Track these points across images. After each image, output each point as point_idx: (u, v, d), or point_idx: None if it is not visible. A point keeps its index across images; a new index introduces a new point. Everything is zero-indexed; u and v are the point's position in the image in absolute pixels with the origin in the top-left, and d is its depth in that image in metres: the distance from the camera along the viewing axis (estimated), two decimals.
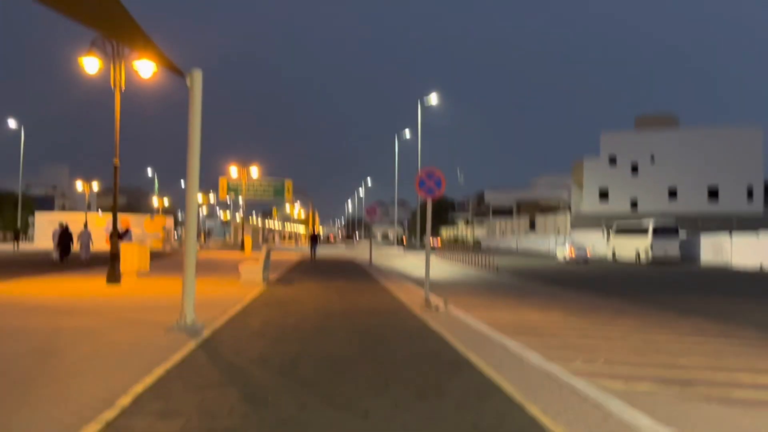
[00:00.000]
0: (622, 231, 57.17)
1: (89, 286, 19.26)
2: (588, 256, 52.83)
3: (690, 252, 52.63)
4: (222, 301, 15.54)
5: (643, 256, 51.73)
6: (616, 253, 56.86)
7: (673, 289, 26.19)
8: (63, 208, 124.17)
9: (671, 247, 51.06)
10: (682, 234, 53.88)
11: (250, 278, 21.00)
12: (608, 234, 59.65)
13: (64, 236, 35.05)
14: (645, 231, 52.59)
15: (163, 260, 38.17)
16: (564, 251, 53.91)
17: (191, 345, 9.61)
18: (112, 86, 19.27)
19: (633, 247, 53.89)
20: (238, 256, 43.74)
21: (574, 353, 10.56)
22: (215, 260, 40.40)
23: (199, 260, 40.11)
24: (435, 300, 16.49)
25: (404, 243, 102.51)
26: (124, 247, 22.60)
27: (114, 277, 19.60)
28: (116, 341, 9.93)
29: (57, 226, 36.80)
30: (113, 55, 18.86)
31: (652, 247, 50.99)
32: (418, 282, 25.51)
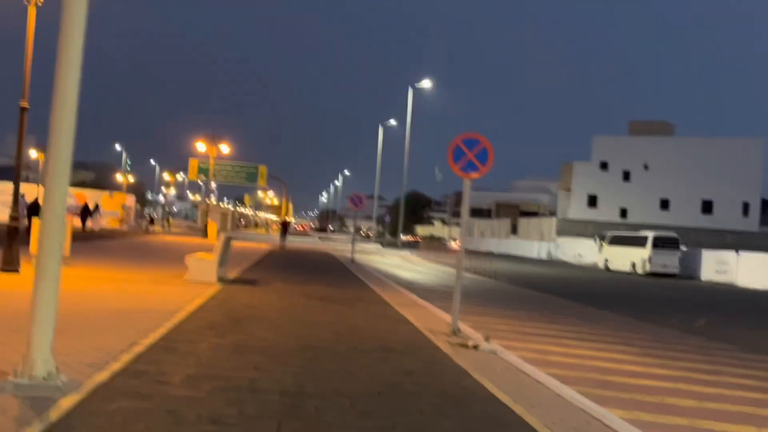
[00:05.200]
0: (617, 241, 54.61)
1: None
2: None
3: (689, 267, 49.86)
4: (143, 316, 10.19)
5: (639, 267, 49.44)
6: (610, 263, 54.08)
7: (725, 312, 22.17)
8: (27, 180, 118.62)
9: (670, 261, 48.76)
10: (682, 248, 50.75)
11: (201, 275, 15.84)
12: (601, 243, 56.38)
13: (33, 207, 32.17)
14: (642, 242, 50.28)
15: (107, 242, 32.88)
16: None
17: None
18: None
19: (628, 258, 51.33)
20: (199, 242, 38.69)
21: None
22: (171, 245, 35.29)
23: (150, 244, 35.24)
24: (466, 330, 11.64)
25: (369, 237, 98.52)
26: (35, 223, 17.37)
27: (11, 262, 14.51)
28: None
29: (20, 198, 34.10)
30: None
31: (650, 259, 48.58)
32: (413, 289, 20.99)
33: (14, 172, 16.07)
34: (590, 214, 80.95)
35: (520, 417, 6.31)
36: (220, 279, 16.47)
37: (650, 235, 49.98)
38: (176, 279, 16.04)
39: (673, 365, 11.19)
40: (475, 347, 9.96)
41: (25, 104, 14.90)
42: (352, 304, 14.36)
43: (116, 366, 6.73)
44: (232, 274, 18.71)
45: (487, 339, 10.23)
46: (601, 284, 36.08)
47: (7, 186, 62.26)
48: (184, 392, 6.02)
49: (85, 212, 47.86)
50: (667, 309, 24.08)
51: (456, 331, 11.02)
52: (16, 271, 14.56)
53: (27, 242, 15.40)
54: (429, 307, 15.45)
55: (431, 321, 12.76)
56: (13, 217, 15.06)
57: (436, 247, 58.90)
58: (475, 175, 11.14)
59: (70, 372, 6.29)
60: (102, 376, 6.26)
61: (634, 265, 50.10)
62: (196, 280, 15.75)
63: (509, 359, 9.55)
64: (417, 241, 78.13)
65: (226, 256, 17.29)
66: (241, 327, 9.96)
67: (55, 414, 5.09)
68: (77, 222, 54.56)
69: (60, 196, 5.68)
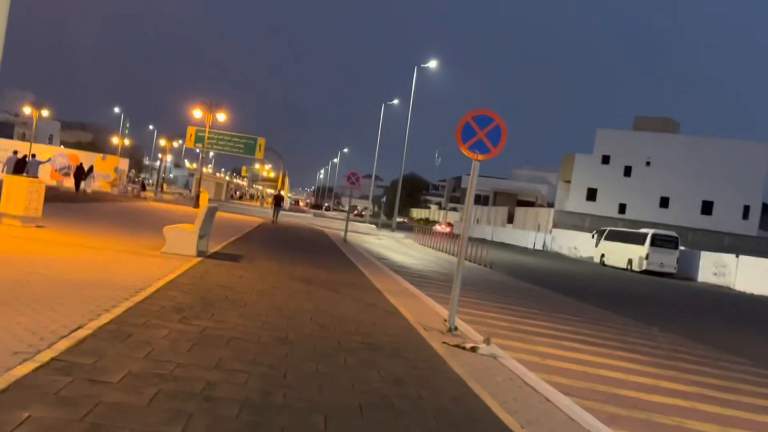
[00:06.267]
0: (615, 236, 53.81)
1: None
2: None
3: (686, 267, 49.10)
4: (103, 291, 8.94)
5: (636, 264, 48.63)
6: (606, 258, 53.27)
7: (728, 318, 21.09)
8: (23, 138, 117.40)
9: (668, 260, 48.06)
10: (681, 247, 50.09)
11: (179, 248, 14.61)
12: (598, 238, 55.68)
13: (20, 164, 33.18)
14: (640, 239, 49.45)
15: (94, 205, 31.65)
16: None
17: None
18: None
19: (625, 254, 50.54)
20: (189, 211, 37.47)
21: None
22: (159, 213, 34.06)
23: (137, 210, 33.95)
24: (463, 327, 10.49)
25: (362, 216, 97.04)
26: (8, 180, 16.15)
27: None
28: None
29: (11, 154, 35.52)
30: None
31: (647, 257, 47.86)
32: (405, 274, 19.89)
33: None
34: (588, 208, 79.88)
35: None
36: (201, 253, 15.31)
37: (649, 232, 49.24)
38: (153, 250, 14.84)
39: (685, 378, 10.17)
40: (473, 349, 8.83)
41: None
42: (339, 290, 13.19)
43: (47, 356, 5.56)
44: (214, 248, 17.53)
45: (487, 341, 9.09)
46: (598, 280, 35.02)
47: (4, 142, 61.46)
48: (120, 397, 4.87)
49: (79, 173, 46.99)
50: (667, 310, 23.20)
51: (452, 329, 9.89)
52: None
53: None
54: (422, 297, 14.33)
55: (424, 314, 11.63)
56: None
57: (426, 232, 57.89)
58: (485, 156, 9.96)
59: None
60: (23, 370, 5.10)
61: (630, 262, 49.35)
62: (173, 253, 14.56)
63: (511, 366, 8.44)
64: (404, 222, 76.70)
65: (208, 228, 16.12)
66: (211, 311, 8.78)
67: None
68: (70, 183, 53.68)
69: None
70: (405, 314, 11.21)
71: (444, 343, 9.04)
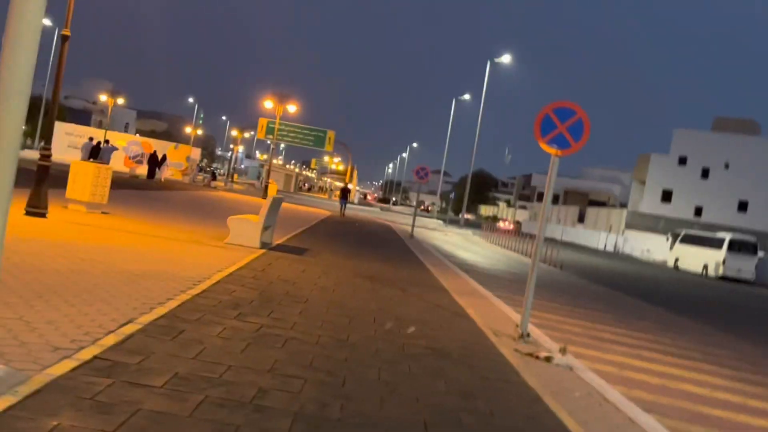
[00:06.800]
0: (690, 240, 52.15)
1: None
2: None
3: (764, 274, 47.80)
4: (159, 283, 8.59)
5: (712, 269, 47.02)
6: (680, 262, 51.74)
7: None
8: (100, 126, 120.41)
9: (746, 266, 46.24)
10: (760, 253, 48.30)
11: (243, 239, 14.28)
12: (673, 241, 54.10)
13: (95, 150, 34.28)
14: (717, 243, 47.73)
15: (163, 193, 31.78)
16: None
17: None
18: None
19: (701, 259, 48.93)
20: (257, 202, 37.44)
21: None
22: (227, 202, 34.11)
23: (205, 199, 33.99)
24: (536, 333, 9.86)
25: (428, 211, 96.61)
26: (75, 165, 16.04)
27: (37, 205, 13.17)
28: None
29: (87, 140, 36.88)
30: None
31: (724, 262, 46.07)
32: (473, 273, 19.33)
33: (50, 107, 14.46)
34: (663, 210, 77.75)
35: None
36: (264, 244, 14.96)
37: (727, 236, 47.57)
38: (217, 241, 14.56)
39: None
40: (548, 359, 8.20)
41: (67, 32, 13.53)
42: (405, 288, 12.67)
43: (90, 353, 5.14)
44: (279, 240, 17.19)
45: (563, 350, 8.45)
46: (673, 285, 33.82)
47: (80, 129, 62.83)
48: (161, 405, 4.41)
49: (154, 161, 47.71)
50: (748, 319, 22.08)
51: (525, 336, 9.24)
52: (43, 215, 13.27)
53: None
54: (491, 299, 13.72)
55: (494, 317, 11.03)
56: (44, 155, 13.70)
57: (493, 229, 57.03)
58: (565, 151, 9.26)
59: (24, 357, 4.78)
60: (60, 369, 4.67)
61: (706, 267, 47.84)
62: (237, 244, 14.25)
63: (588, 379, 7.79)
64: (469, 219, 75.72)
65: (273, 219, 15.76)
66: (270, 307, 8.34)
67: None
68: (142, 170, 54.49)
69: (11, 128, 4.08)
70: (473, 317, 10.62)
71: (516, 350, 8.42)
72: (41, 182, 13.25)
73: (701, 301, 26.17)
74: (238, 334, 6.66)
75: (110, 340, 5.62)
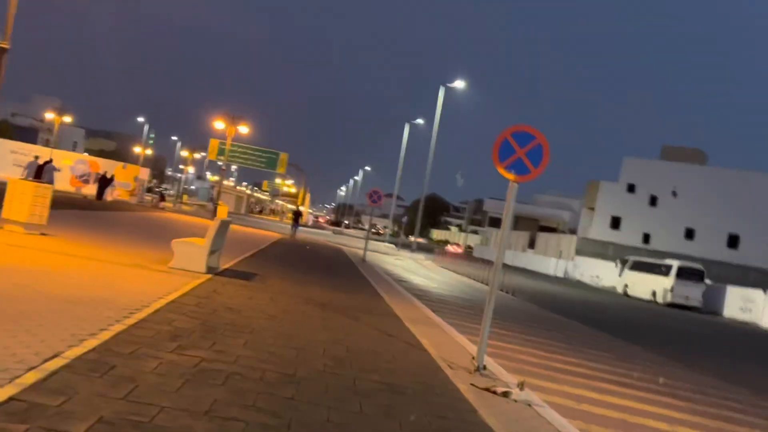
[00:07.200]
0: (639, 267, 52.69)
1: None
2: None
3: (711, 301, 47.91)
4: (93, 311, 7.98)
5: (660, 296, 47.46)
6: (629, 289, 52.24)
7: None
8: (47, 144, 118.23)
9: (694, 293, 46.78)
10: (707, 281, 48.93)
11: (187, 263, 13.66)
12: (622, 267, 54.72)
13: (40, 170, 32.96)
14: (665, 270, 48.33)
15: (108, 213, 30.88)
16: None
17: None
18: None
19: (649, 285, 49.43)
20: (206, 223, 36.69)
21: None
22: (175, 224, 33.34)
23: (152, 220, 33.03)
24: (492, 366, 9.43)
25: (380, 234, 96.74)
26: (12, 184, 15.27)
27: None
28: None
29: (32, 158, 36.17)
30: None
31: (672, 289, 46.61)
32: (425, 299, 19.06)
33: None
34: (612, 236, 78.51)
35: None
36: (211, 269, 14.39)
37: (675, 264, 48.03)
38: (161, 265, 13.94)
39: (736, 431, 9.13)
40: (505, 394, 7.80)
41: (5, 45, 12.93)
42: (357, 316, 12.21)
43: (5, 393, 4.60)
44: (226, 264, 16.61)
45: (521, 386, 8.04)
46: (623, 311, 33.98)
47: (26, 147, 61.26)
48: None
49: (103, 181, 46.80)
50: (698, 347, 22.06)
51: (480, 368, 8.85)
52: None
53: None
54: (445, 327, 13.33)
55: (448, 348, 10.62)
56: None
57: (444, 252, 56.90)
58: (524, 177, 8.92)
59: None
60: None
61: (654, 294, 48.27)
62: (181, 269, 13.64)
63: (549, 417, 7.41)
64: (417, 242, 75.52)
65: (220, 243, 15.22)
66: (213, 339, 7.81)
67: None
68: (89, 190, 53.28)
69: None
70: (427, 347, 10.21)
71: (472, 385, 8.02)
72: None
73: (651, 329, 26.17)
74: (175, 370, 6.14)
75: (31, 377, 5.08)
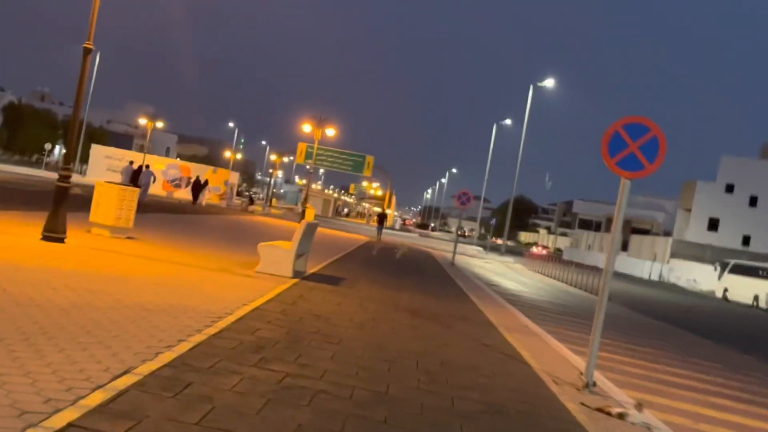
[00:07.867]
0: (740, 270, 50.45)
1: (15, 240, 11.97)
2: None
3: None
4: (174, 319, 7.58)
5: (763, 301, 45.14)
6: (729, 293, 49.92)
7: None
8: (141, 149, 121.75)
9: None
10: None
11: (274, 267, 13.23)
12: (722, 270, 52.54)
13: (135, 174, 33.28)
14: None
15: (197, 217, 30.94)
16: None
17: None
18: None
19: (752, 290, 47.03)
20: (293, 227, 36.56)
21: None
22: (263, 227, 33.29)
23: (241, 224, 33.06)
24: (602, 382, 8.61)
25: (465, 236, 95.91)
26: (99, 187, 15.15)
27: (54, 229, 12.26)
28: None
29: (127, 164, 36.53)
30: None
31: None
32: (519, 304, 18.47)
33: (71, 125, 13.48)
34: (709, 238, 75.65)
35: None
36: (297, 273, 13.92)
37: None
38: (247, 269, 13.54)
39: None
40: (621, 416, 6.98)
41: (89, 45, 12.71)
42: (450, 324, 11.51)
43: (64, 419, 4.06)
44: (313, 267, 16.15)
45: (638, 407, 7.21)
46: (725, 317, 32.26)
47: (119, 152, 62.69)
48: None
49: (197, 186, 47.63)
50: None
51: (590, 385, 8.03)
52: (61, 240, 12.37)
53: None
54: (543, 336, 12.52)
55: (551, 360, 9.81)
56: (63, 176, 12.80)
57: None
58: (637, 174, 8.04)
59: None
60: None
61: (757, 298, 45.86)
62: (268, 273, 13.21)
63: None
64: (503, 244, 74.10)
65: (307, 247, 14.74)
66: (298, 350, 7.23)
67: None
68: (180, 194, 54.22)
69: None
70: (528, 359, 9.44)
71: (582, 404, 7.23)
72: (59, 205, 12.33)
73: (759, 337, 24.61)
74: (257, 388, 5.56)
75: (96, 398, 4.56)
